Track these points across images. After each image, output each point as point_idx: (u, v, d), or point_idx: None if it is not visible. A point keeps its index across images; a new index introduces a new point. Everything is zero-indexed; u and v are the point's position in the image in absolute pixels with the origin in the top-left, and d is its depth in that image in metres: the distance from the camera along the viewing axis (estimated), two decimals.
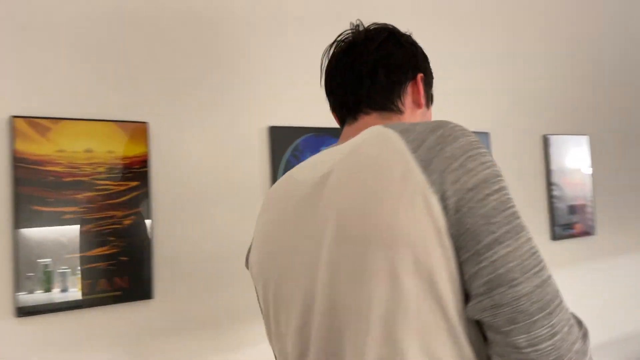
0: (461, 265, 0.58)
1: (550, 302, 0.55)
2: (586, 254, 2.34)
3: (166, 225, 1.38)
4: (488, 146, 2.03)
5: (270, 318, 0.74)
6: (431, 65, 1.95)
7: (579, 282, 2.30)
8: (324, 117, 1.70)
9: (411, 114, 0.81)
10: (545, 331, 0.54)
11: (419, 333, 0.57)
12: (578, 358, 0.55)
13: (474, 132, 1.66)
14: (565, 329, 0.55)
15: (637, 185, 2.57)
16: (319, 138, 1.67)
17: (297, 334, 0.67)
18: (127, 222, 1.30)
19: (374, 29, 0.83)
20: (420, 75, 0.82)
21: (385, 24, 0.85)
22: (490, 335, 0.57)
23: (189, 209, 1.43)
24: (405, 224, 0.57)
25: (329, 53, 0.86)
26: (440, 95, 1.97)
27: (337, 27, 1.77)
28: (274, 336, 0.74)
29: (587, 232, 2.34)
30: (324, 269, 0.63)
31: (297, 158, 1.62)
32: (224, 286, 1.48)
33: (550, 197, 2.23)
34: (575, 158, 2.36)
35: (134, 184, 1.33)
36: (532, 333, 0.54)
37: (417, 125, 0.64)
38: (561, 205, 2.27)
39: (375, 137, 0.65)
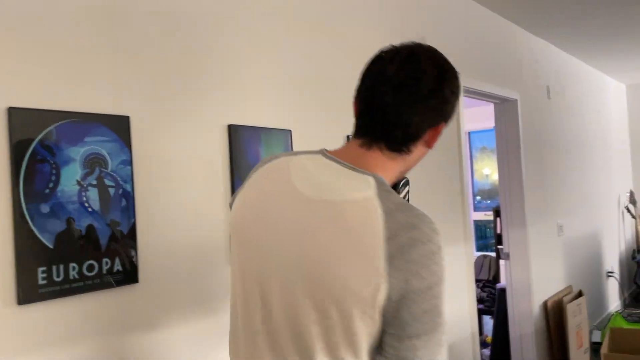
0: (383, 332, 0.80)
1: None
2: None
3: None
4: (290, 143, 1.89)
5: (235, 254, 0.96)
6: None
7: None
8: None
9: (417, 153, 0.94)
10: None
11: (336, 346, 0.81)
12: None
13: (282, 129, 1.63)
14: None
15: (431, 184, 2.53)
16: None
17: (254, 260, 0.90)
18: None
19: (427, 53, 0.90)
20: (443, 123, 0.91)
21: (432, 50, 0.92)
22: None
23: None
24: (352, 294, 0.78)
25: (376, 61, 0.92)
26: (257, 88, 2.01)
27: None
28: (236, 261, 0.94)
29: None
30: (284, 265, 0.85)
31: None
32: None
33: None
34: None
35: None
36: None
37: (398, 210, 0.80)
38: None
39: (364, 204, 0.81)
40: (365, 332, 0.79)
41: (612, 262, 5.52)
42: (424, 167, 2.73)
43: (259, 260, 0.89)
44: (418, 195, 2.66)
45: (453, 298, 2.89)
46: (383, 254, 0.77)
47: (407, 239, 0.78)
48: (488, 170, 7.99)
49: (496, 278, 5.94)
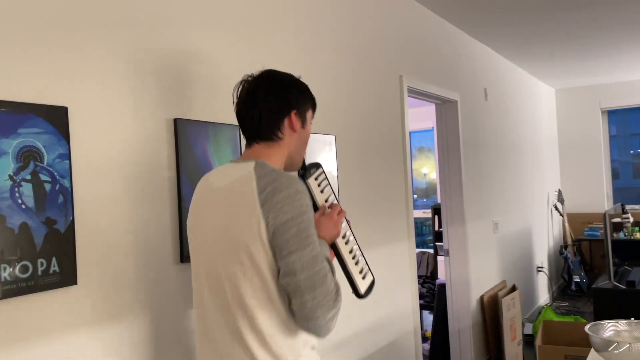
0: (276, 259, 1.16)
1: (312, 278, 1.14)
2: None
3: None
4: (239, 139, 1.81)
5: (190, 244, 1.35)
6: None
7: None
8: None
9: (290, 136, 1.33)
10: (304, 279, 1.15)
11: (254, 295, 1.18)
12: (321, 297, 1.15)
13: (226, 124, 1.68)
14: (318, 288, 1.15)
15: (374, 183, 2.61)
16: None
17: (202, 290, 1.28)
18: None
19: (259, 81, 1.32)
20: (293, 112, 1.32)
21: (270, 71, 1.35)
22: (289, 290, 1.16)
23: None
24: (247, 237, 1.16)
25: (236, 93, 1.36)
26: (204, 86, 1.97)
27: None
28: (191, 254, 1.34)
29: None
30: (212, 240, 1.25)
31: None
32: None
33: None
34: (324, 157, 2.29)
35: None
36: (301, 282, 1.15)
37: (267, 175, 1.19)
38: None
39: (244, 177, 1.21)
40: (265, 261, 1.17)
41: (541, 257, 5.83)
42: (370, 166, 2.75)
43: (193, 258, 1.33)
44: (364, 194, 2.68)
45: (397, 294, 2.93)
46: (257, 203, 1.16)
47: (271, 189, 1.17)
48: (426, 170, 8.22)
49: (434, 274, 6.12)
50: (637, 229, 5.90)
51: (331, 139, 2.41)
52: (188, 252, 1.39)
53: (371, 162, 2.76)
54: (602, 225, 6.29)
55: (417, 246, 7.31)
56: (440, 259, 6.16)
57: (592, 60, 5.34)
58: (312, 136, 2.26)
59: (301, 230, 1.15)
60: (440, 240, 6.01)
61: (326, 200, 1.38)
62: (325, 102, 2.41)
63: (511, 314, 4.08)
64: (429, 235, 8.21)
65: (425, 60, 3.43)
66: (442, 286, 3.98)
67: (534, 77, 6.08)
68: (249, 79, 1.34)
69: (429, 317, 5.13)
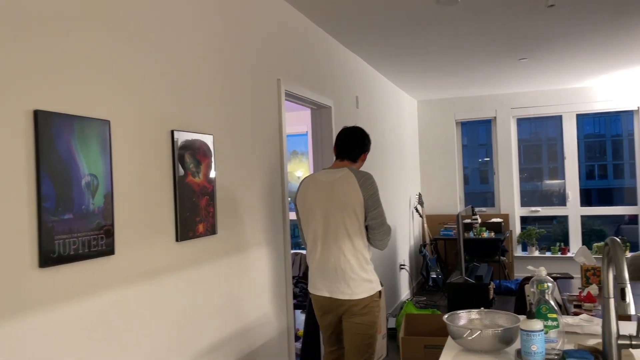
0: (366, 211, 2.48)
1: (383, 221, 2.52)
2: (210, 253, 2.37)
3: None
4: (109, 135, 1.70)
5: (302, 222, 2.64)
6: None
7: (209, 278, 2.35)
8: None
9: (359, 161, 2.68)
10: (377, 223, 2.52)
11: (353, 229, 2.49)
12: (386, 230, 2.55)
13: (94, 118, 1.88)
14: (384, 226, 2.53)
15: (251, 185, 2.66)
16: None
17: (319, 227, 2.53)
18: None
19: (359, 130, 2.67)
20: (365, 154, 2.71)
21: (360, 128, 2.69)
22: (372, 225, 2.51)
23: None
24: (355, 201, 2.46)
25: (342, 131, 2.68)
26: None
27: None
28: (304, 228, 2.63)
29: (209, 232, 2.32)
30: (329, 208, 2.51)
31: None
32: None
33: (177, 197, 2.11)
34: (202, 156, 2.28)
35: None
36: (376, 225, 2.52)
37: (359, 173, 2.53)
38: (188, 205, 2.17)
39: (347, 175, 2.52)
40: (360, 213, 2.46)
41: (404, 256, 6.27)
42: (247, 168, 2.75)
43: (311, 214, 2.57)
44: (241, 195, 2.67)
45: (273, 294, 2.97)
46: (359, 186, 2.46)
47: (364, 180, 2.49)
48: (300, 173, 8.40)
49: (306, 274, 6.27)
50: (484, 228, 6.61)
51: (209, 138, 2.36)
52: (52, 255, 1.27)
53: (249, 164, 2.76)
54: (455, 226, 6.95)
55: (291, 248, 7.44)
56: None
57: (449, 76, 5.89)
58: (186, 135, 2.20)
59: (376, 199, 2.51)
60: None
61: None
62: (203, 100, 2.36)
63: None
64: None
65: (302, 66, 3.51)
66: None
67: (399, 88, 6.54)
68: (348, 127, 2.71)
69: (300, 317, 5.25)
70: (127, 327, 1.86)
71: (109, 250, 1.77)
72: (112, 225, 1.78)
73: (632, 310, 1.26)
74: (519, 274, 7.14)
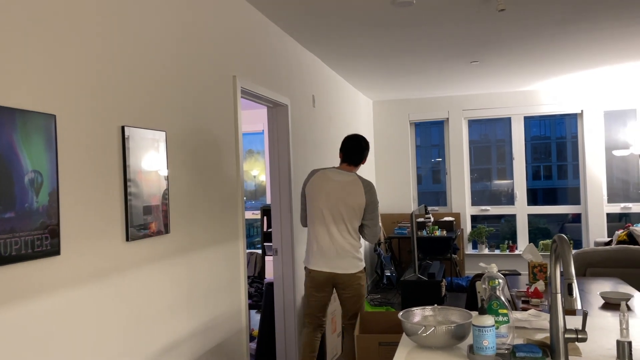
0: (365, 213, 3.25)
1: (376, 223, 3.30)
2: (162, 252, 2.30)
3: None
4: (54, 130, 1.65)
5: (308, 207, 3.32)
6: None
7: (160, 278, 2.27)
8: None
9: (360, 165, 3.35)
10: (373, 223, 3.30)
11: (351, 223, 3.24)
12: (377, 230, 3.33)
13: (38, 112, 2.00)
14: (377, 227, 3.31)
15: (206, 183, 2.60)
16: None
17: (327, 217, 3.23)
18: None
19: (363, 141, 3.34)
20: (364, 160, 3.37)
21: (364, 139, 3.38)
22: (367, 225, 3.30)
23: None
24: (359, 204, 3.21)
25: (348, 139, 3.34)
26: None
27: None
28: (308, 213, 3.33)
29: (161, 231, 2.25)
30: (337, 204, 3.22)
31: None
32: None
33: (127, 195, 2.03)
34: (153, 154, 2.22)
35: None
36: (372, 224, 3.30)
37: (364, 181, 3.28)
38: (137, 204, 2.09)
39: (355, 180, 3.26)
40: (360, 214, 3.24)
41: None
42: (202, 166, 2.70)
43: (319, 205, 3.23)
44: (195, 194, 2.62)
45: (227, 294, 2.92)
46: (364, 192, 3.22)
47: (368, 188, 3.24)
48: (256, 172, 8.33)
49: (261, 274, 6.23)
50: (436, 227, 6.76)
51: (161, 135, 2.30)
52: None
53: (204, 161, 2.70)
54: (409, 225, 7.07)
55: (247, 247, 7.37)
56: (268, 258, 6.31)
57: (404, 77, 5.98)
58: (137, 132, 2.13)
59: (375, 205, 3.26)
60: (269, 240, 6.16)
61: None
62: (155, 96, 2.29)
63: (332, 307, 4.34)
64: (257, 237, 8.34)
65: (258, 64, 3.48)
66: (271, 285, 4.07)
67: (355, 89, 6.59)
68: (354, 136, 3.34)
69: (255, 317, 5.21)
70: (74, 331, 1.78)
71: (55, 251, 1.69)
72: (58, 224, 1.70)
73: (578, 305, 1.31)
74: (469, 272, 7.34)
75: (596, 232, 6.92)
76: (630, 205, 6.94)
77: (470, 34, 4.28)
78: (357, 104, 6.68)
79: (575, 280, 1.33)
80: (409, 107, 7.61)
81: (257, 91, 3.38)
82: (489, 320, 1.54)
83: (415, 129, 7.84)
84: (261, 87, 3.47)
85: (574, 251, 6.92)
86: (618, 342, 1.47)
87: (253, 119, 7.46)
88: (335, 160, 5.42)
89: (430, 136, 8.27)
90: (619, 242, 5.26)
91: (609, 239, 6.31)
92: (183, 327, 2.46)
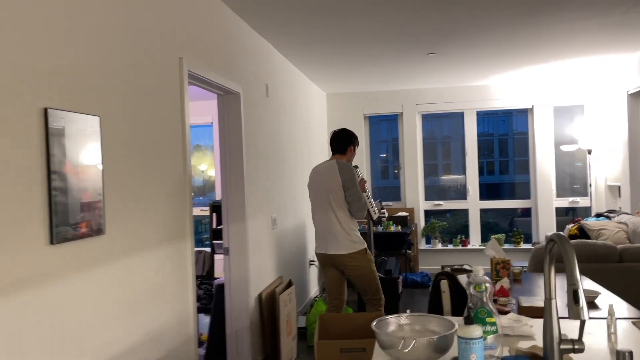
0: (345, 191, 3.68)
1: (358, 198, 3.68)
2: (96, 256, 2.01)
3: None
4: None
5: (311, 197, 3.89)
6: None
7: (97, 284, 2.01)
8: None
9: (348, 153, 3.88)
10: (353, 199, 3.71)
11: (337, 204, 3.72)
12: (362, 204, 3.74)
13: None
14: (361, 201, 3.72)
15: (149, 177, 2.32)
16: None
17: (315, 204, 3.81)
18: None
19: (345, 130, 3.90)
20: (350, 147, 3.89)
21: (346, 129, 3.92)
22: (349, 201, 3.70)
23: None
24: (336, 184, 3.68)
25: (332, 133, 3.94)
26: None
27: None
28: (311, 201, 3.88)
29: (95, 232, 1.96)
30: (320, 189, 3.77)
31: None
32: None
33: (50, 190, 1.72)
34: (84, 142, 1.90)
35: None
36: (353, 200, 3.70)
37: (341, 162, 3.73)
38: (64, 200, 1.78)
39: (332, 163, 3.74)
40: (341, 193, 3.66)
41: (312, 252, 6.11)
42: (144, 157, 2.39)
43: (313, 195, 3.83)
44: (136, 189, 2.31)
45: (174, 300, 2.63)
46: (337, 172, 3.66)
47: (341, 166, 3.69)
48: (204, 167, 7.96)
49: (210, 273, 5.90)
50: (391, 222, 6.65)
51: (94, 120, 1.98)
52: None
53: (146, 152, 2.40)
54: (365, 220, 6.92)
55: (195, 245, 7.03)
56: (217, 257, 5.98)
57: (358, 69, 5.80)
58: (64, 115, 1.82)
59: (352, 182, 3.63)
60: (218, 238, 5.84)
61: (360, 178, 3.85)
62: (87, 75, 1.97)
63: (287, 309, 4.11)
64: (206, 233, 7.96)
65: (208, 46, 3.18)
66: (221, 287, 3.79)
67: (309, 80, 6.35)
68: (337, 130, 3.88)
69: (204, 320, 4.89)
70: None
71: None
72: None
73: (585, 315, 1.14)
74: (423, 267, 7.29)
75: (546, 225, 7.02)
76: (577, 199, 7.09)
77: (429, 23, 4.13)
78: (311, 96, 6.45)
79: (581, 286, 1.16)
80: (363, 101, 7.46)
81: (206, 76, 3.09)
82: (476, 331, 1.35)
83: (369, 123, 7.70)
84: (211, 72, 3.18)
85: (531, 247, 6.99)
86: (618, 352, 1.32)
87: (201, 111, 7.08)
88: (291, 155, 5.17)
89: (379, 132, 8.18)
90: (570, 237, 5.30)
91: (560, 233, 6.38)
92: (122, 341, 2.15)
